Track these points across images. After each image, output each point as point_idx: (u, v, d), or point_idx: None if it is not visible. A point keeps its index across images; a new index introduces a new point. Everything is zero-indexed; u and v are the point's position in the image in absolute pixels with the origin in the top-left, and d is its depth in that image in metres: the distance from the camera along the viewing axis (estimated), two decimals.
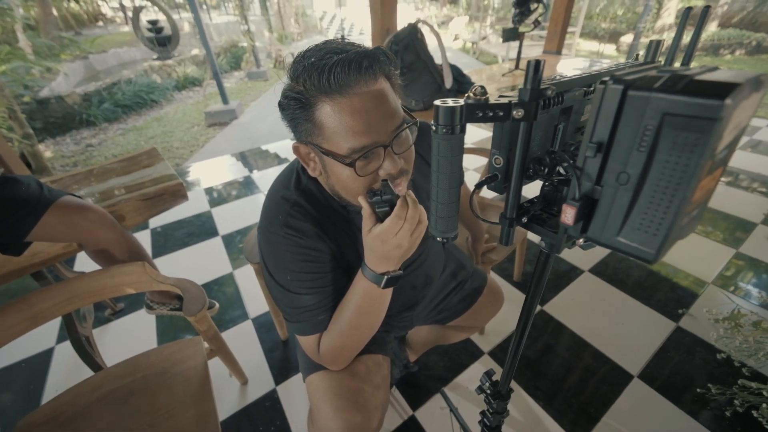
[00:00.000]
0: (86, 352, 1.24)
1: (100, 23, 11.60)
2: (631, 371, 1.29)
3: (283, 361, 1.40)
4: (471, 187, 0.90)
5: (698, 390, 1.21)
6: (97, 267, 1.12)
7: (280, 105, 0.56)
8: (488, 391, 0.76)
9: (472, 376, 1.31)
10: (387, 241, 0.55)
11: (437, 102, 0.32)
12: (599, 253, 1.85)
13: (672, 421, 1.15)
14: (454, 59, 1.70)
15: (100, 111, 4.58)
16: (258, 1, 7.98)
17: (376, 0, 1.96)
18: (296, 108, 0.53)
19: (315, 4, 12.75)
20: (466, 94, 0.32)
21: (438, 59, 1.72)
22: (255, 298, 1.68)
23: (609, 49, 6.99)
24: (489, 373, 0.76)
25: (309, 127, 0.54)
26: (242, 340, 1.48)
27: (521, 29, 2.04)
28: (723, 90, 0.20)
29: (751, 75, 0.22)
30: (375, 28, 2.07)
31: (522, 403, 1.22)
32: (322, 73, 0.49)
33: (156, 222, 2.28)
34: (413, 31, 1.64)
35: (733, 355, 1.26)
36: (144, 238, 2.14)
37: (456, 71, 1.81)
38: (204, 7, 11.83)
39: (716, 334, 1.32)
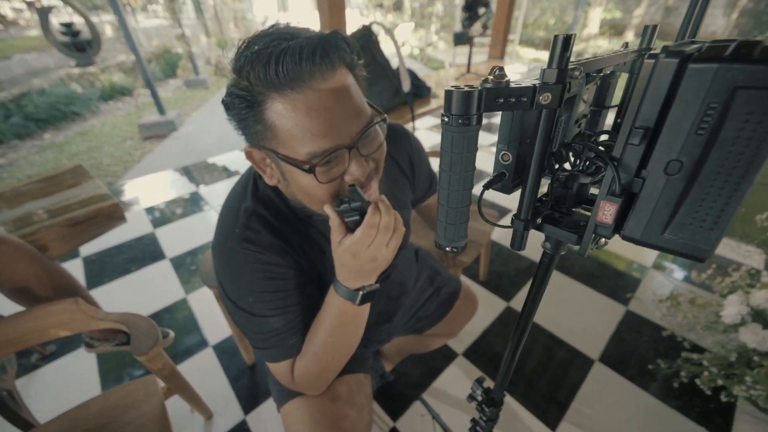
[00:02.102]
0: (9, 409, 1.02)
1: (0, 26, 10.17)
2: (592, 356, 1.35)
3: (252, 388, 1.27)
4: None
5: (649, 366, 1.30)
6: (18, 309, 0.94)
7: (225, 104, 0.47)
8: (480, 399, 0.73)
9: (449, 379, 1.30)
10: (359, 254, 0.49)
11: (449, 87, 0.26)
12: None
13: (630, 397, 1.23)
14: (411, 67, 1.69)
15: (8, 126, 3.96)
16: (191, 3, 7.48)
17: (323, 2, 1.90)
18: (243, 107, 0.45)
19: (255, 8, 12.30)
20: (484, 78, 0.27)
21: (393, 64, 1.70)
22: (214, 322, 1.52)
23: (545, 56, 7.56)
24: (480, 380, 0.74)
25: (260, 129, 0.46)
26: (203, 370, 1.33)
27: (471, 34, 2.10)
28: None
29: None
30: (323, 30, 2.01)
31: None
32: (269, 64, 0.41)
33: (88, 249, 1.99)
34: (367, 33, 1.60)
35: (676, 331, 1.38)
36: (75, 269, 1.85)
37: (412, 75, 1.80)
38: (128, 9, 10.89)
39: (660, 314, 1.43)
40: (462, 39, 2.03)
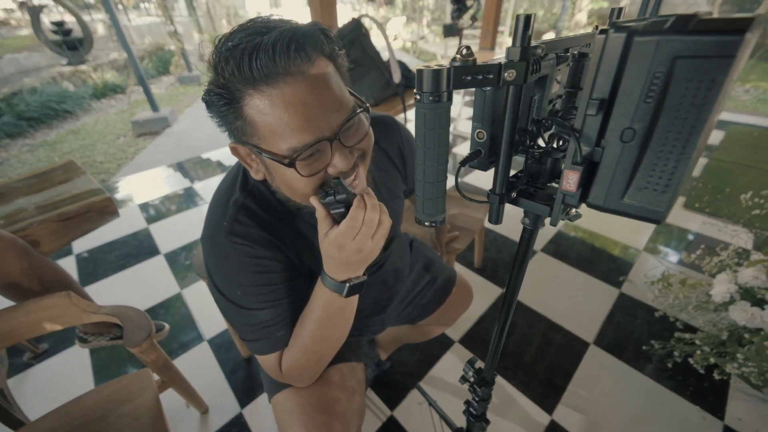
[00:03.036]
0: (1, 408, 1.03)
1: None
2: (587, 339, 1.38)
3: (248, 381, 1.29)
4: None
5: (643, 347, 1.33)
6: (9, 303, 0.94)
7: (205, 101, 0.47)
8: (472, 380, 0.74)
9: (445, 366, 1.31)
10: (345, 246, 0.49)
11: (420, 66, 0.28)
12: (549, 232, 1.96)
13: (626, 379, 1.25)
14: (397, 56, 1.70)
15: None
16: (184, 0, 7.40)
17: None
18: (221, 105, 0.45)
19: (248, 5, 12.17)
20: (453, 56, 0.28)
21: (384, 57, 1.71)
22: (209, 317, 1.53)
23: None
24: (471, 362, 0.75)
25: (240, 125, 0.46)
26: (198, 364, 1.34)
27: (460, 25, 2.11)
28: (741, 24, 0.19)
29: (756, 14, 0.21)
30: None
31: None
32: (242, 60, 0.41)
33: (81, 246, 1.99)
34: (357, 26, 1.60)
35: (668, 312, 1.40)
36: (68, 266, 1.86)
37: (402, 67, 1.81)
38: (120, 7, 10.75)
39: (652, 295, 1.46)
40: (451, 31, 2.04)
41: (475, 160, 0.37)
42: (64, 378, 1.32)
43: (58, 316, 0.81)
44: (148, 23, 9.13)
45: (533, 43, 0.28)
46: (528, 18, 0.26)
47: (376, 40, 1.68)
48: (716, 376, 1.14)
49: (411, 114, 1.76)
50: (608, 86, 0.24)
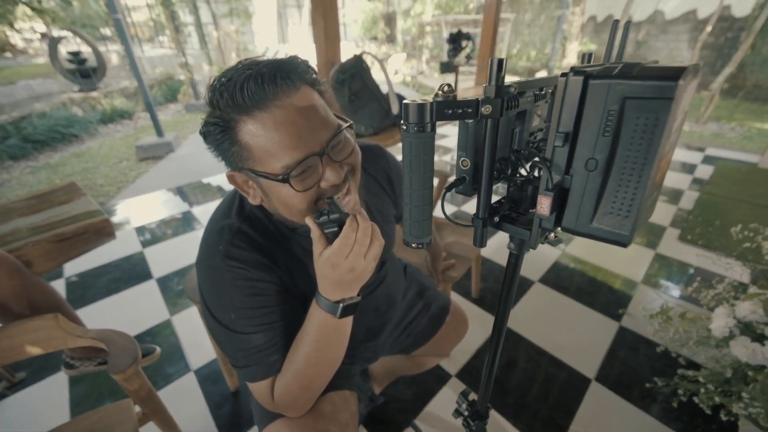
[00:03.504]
0: None
1: (8, 54, 10.48)
2: (588, 375, 1.34)
3: (234, 416, 1.23)
4: None
5: (647, 385, 1.28)
6: None
7: (202, 134, 0.51)
8: (466, 413, 0.73)
9: (442, 402, 1.26)
10: (338, 265, 0.50)
11: (406, 100, 0.31)
12: (546, 262, 1.97)
13: (630, 419, 1.20)
14: (396, 90, 1.79)
15: (4, 147, 4.01)
16: (196, 35, 7.82)
17: (319, 34, 2.02)
18: (217, 133, 0.49)
19: (256, 40, 12.83)
20: (435, 92, 0.31)
21: (383, 90, 1.80)
22: (198, 345, 1.49)
23: None
24: (465, 393, 0.73)
25: (237, 150, 0.50)
26: (182, 397, 1.29)
27: (456, 63, 2.24)
28: (675, 72, 0.22)
29: (690, 64, 0.24)
30: (320, 60, 2.12)
31: (491, 421, 1.20)
32: (235, 90, 0.46)
33: (72, 269, 1.98)
34: (358, 61, 1.70)
35: (669, 346, 1.37)
36: (57, 289, 1.83)
37: (401, 99, 1.90)
38: (136, 40, 11.29)
39: (652, 329, 1.43)
40: (448, 68, 2.16)
41: (461, 186, 0.40)
42: (39, 410, 1.26)
43: (44, 339, 0.79)
44: (161, 55, 9.57)
45: (507, 82, 0.31)
46: (501, 61, 0.30)
47: (377, 74, 1.78)
48: (723, 417, 1.08)
49: None
50: (572, 121, 0.27)
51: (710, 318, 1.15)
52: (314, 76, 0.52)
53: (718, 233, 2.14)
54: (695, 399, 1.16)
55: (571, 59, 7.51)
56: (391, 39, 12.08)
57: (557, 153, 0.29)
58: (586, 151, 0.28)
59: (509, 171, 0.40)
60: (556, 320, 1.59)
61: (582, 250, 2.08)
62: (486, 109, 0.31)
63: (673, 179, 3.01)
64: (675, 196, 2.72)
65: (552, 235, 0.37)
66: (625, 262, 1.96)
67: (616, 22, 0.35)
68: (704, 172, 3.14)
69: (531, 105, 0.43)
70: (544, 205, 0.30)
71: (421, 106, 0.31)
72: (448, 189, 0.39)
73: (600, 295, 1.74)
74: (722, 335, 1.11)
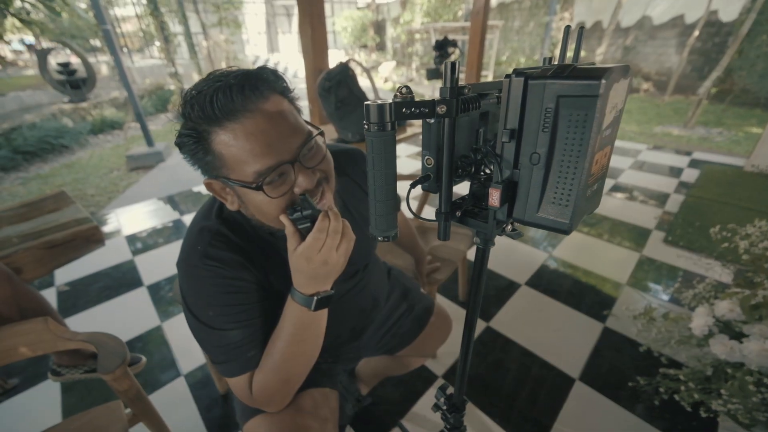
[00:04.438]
0: None
1: None
2: (572, 375, 1.36)
3: (224, 418, 1.23)
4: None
5: (630, 384, 1.31)
6: None
7: (177, 145, 0.53)
8: (444, 407, 0.74)
9: (428, 402, 1.27)
10: (312, 259, 0.53)
11: (367, 102, 0.33)
12: (533, 265, 2.00)
13: (613, 417, 1.22)
14: (384, 97, 1.82)
15: None
16: (186, 45, 7.86)
17: (307, 43, 2.06)
18: (192, 144, 0.51)
19: (246, 49, 12.92)
20: (394, 93, 0.34)
21: (369, 97, 1.83)
22: (188, 351, 1.49)
23: None
24: (443, 388, 0.75)
25: (211, 159, 0.52)
26: (173, 401, 1.29)
27: (442, 69, 2.29)
28: (599, 73, 0.25)
29: (619, 64, 0.27)
30: (308, 69, 2.16)
31: (477, 422, 1.21)
32: (205, 103, 0.48)
33: (63, 277, 1.97)
34: (344, 68, 1.73)
35: (652, 346, 1.40)
36: (48, 297, 1.81)
37: None
38: (125, 50, 11.31)
39: (636, 329, 1.46)
40: (435, 74, 2.21)
41: (426, 183, 0.42)
42: (32, 415, 1.26)
43: (34, 342, 0.81)
44: (151, 65, 9.58)
45: (461, 84, 0.34)
46: (454, 64, 0.32)
47: (365, 81, 1.81)
48: (703, 414, 1.11)
49: (400, 150, 1.85)
50: (516, 118, 0.30)
51: (691, 318, 1.18)
52: (284, 84, 0.54)
53: (699, 235, 2.19)
54: (676, 396, 1.18)
55: None
56: (380, 47, 12.24)
57: (506, 148, 0.32)
58: (529, 146, 0.30)
59: (472, 169, 0.42)
60: (541, 322, 1.62)
61: (568, 254, 2.11)
62: (441, 109, 0.33)
63: (660, 183, 3.08)
64: (661, 199, 2.78)
65: (509, 227, 0.39)
66: (610, 265, 1.99)
67: (568, 27, 0.38)
68: (690, 175, 3.21)
69: (494, 107, 0.45)
70: (494, 197, 0.32)
71: (381, 107, 0.33)
72: (413, 185, 0.42)
73: (585, 297, 1.76)
74: (702, 334, 1.13)
